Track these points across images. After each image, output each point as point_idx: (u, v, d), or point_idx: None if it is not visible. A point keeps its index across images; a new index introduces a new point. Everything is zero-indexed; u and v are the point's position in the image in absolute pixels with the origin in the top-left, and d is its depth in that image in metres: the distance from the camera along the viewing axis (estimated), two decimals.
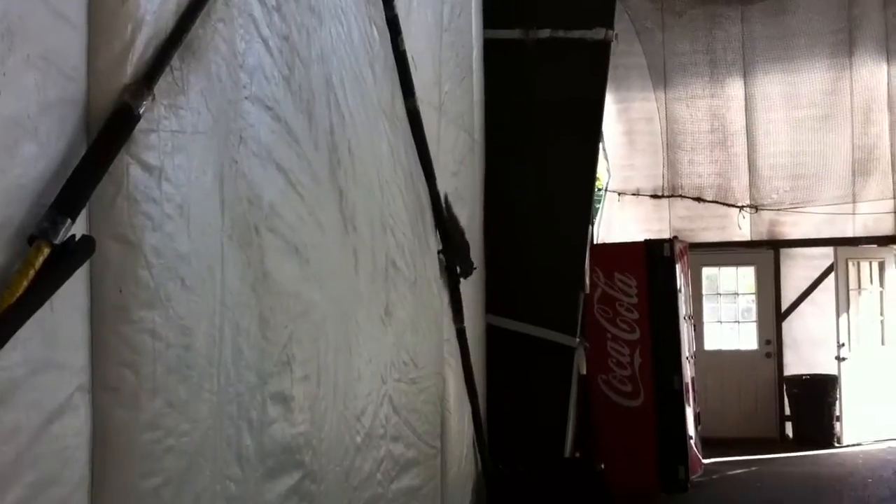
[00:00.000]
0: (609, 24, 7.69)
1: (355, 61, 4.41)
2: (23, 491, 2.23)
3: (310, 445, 3.75)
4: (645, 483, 9.11)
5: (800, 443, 11.80)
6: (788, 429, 12.21)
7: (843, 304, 11.81)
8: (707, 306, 12.62)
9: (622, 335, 9.38)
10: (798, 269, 12.36)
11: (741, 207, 12.42)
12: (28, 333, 2.22)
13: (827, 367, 11.90)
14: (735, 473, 10.37)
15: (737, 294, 12.89)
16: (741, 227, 12.43)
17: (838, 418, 11.78)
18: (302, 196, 3.73)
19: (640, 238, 10.62)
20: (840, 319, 11.79)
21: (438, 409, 5.75)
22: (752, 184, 12.39)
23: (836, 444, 11.67)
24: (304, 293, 3.77)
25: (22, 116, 2.27)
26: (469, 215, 6.73)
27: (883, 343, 12.19)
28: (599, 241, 11.69)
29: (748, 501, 9.27)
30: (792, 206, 12.28)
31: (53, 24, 2.41)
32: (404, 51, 5.04)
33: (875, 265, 12.24)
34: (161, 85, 2.71)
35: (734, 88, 12.37)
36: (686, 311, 10.08)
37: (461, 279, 6.25)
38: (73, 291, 2.43)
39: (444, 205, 5.92)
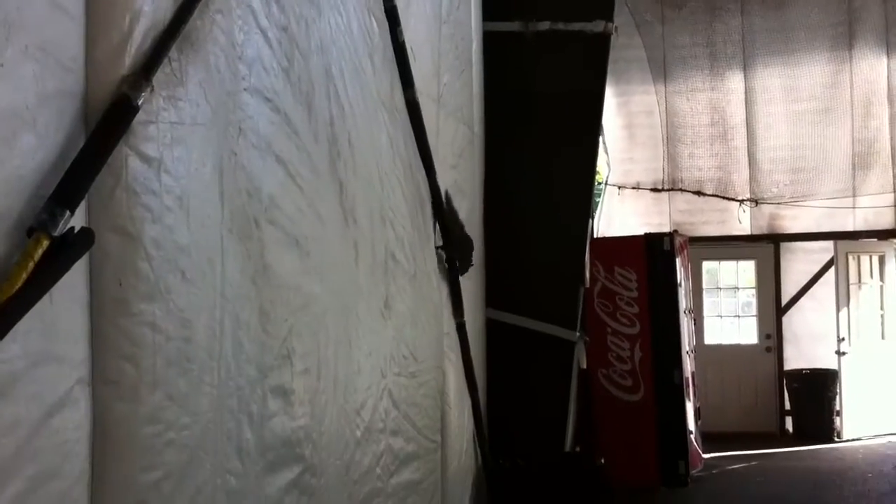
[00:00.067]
0: (609, 17, 7.67)
1: (354, 52, 4.39)
2: (23, 484, 2.22)
3: (310, 439, 3.74)
4: (645, 477, 9.10)
5: (800, 437, 11.80)
6: (788, 423, 12.23)
7: (843, 298, 11.80)
8: (707, 300, 12.62)
9: (622, 329, 9.37)
10: (798, 263, 12.35)
11: (741, 201, 12.41)
12: (27, 326, 2.21)
13: (827, 361, 11.90)
14: (735, 468, 10.37)
15: (737, 288, 12.88)
16: (741, 221, 12.41)
17: (838, 413, 11.79)
18: (302, 188, 3.71)
19: (640, 232, 10.59)
20: (840, 314, 11.78)
21: (438, 403, 5.74)
22: (753, 177, 12.38)
23: (836, 439, 11.69)
24: (305, 286, 3.76)
25: (20, 108, 2.26)
26: (469, 209, 6.71)
27: (883, 337, 12.20)
28: (599, 235, 11.67)
29: (748, 496, 9.26)
30: (792, 199, 12.27)
31: (51, 15, 2.39)
32: (403, 42, 5.02)
33: (875, 259, 12.23)
34: (160, 76, 2.70)
35: (734, 81, 12.35)
36: (686, 305, 10.07)
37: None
38: (73, 284, 2.42)
39: (444, 199, 5.90)
